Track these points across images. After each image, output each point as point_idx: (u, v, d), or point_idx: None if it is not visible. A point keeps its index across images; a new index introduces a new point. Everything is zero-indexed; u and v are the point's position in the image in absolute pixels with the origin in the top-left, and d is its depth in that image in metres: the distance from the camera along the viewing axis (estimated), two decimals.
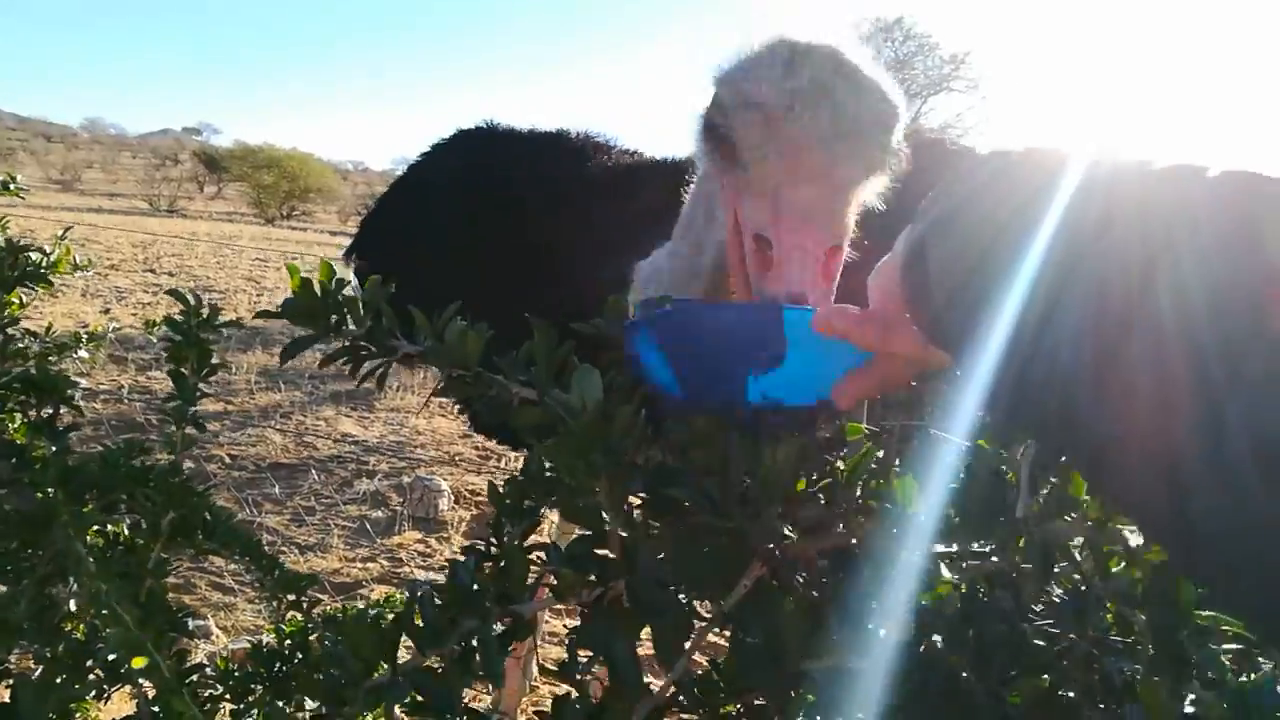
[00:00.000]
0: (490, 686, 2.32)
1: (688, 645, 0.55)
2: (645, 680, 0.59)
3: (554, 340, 0.64)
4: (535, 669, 2.74)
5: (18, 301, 1.31)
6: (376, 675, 0.60)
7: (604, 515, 0.59)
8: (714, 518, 0.54)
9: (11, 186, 2.00)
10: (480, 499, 4.40)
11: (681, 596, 0.59)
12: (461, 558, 0.67)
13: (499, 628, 0.61)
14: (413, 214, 2.08)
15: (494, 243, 1.82)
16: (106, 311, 8.35)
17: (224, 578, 3.38)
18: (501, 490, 0.75)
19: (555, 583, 0.61)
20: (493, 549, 0.71)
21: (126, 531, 1.25)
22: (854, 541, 0.56)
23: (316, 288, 0.62)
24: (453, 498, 4.29)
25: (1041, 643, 0.57)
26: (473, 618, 0.60)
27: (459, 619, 0.60)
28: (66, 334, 1.67)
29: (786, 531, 0.55)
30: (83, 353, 1.71)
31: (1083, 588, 0.53)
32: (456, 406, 2.30)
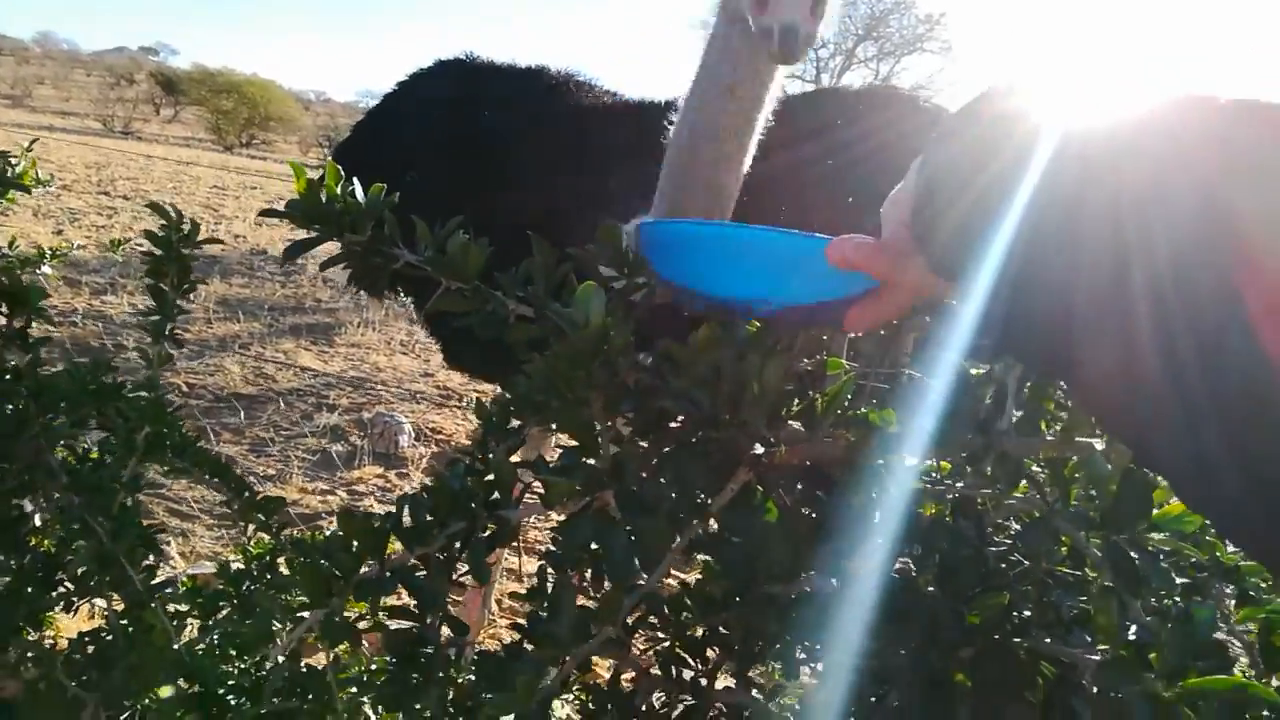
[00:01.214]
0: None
1: (670, 549, 0.57)
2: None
3: (553, 259, 0.65)
4: (494, 603, 2.79)
5: None
6: (364, 569, 0.62)
7: (594, 428, 0.61)
8: (704, 427, 0.57)
9: None
10: (441, 436, 4.41)
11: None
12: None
13: (485, 532, 0.64)
14: (388, 144, 2.06)
15: (472, 175, 1.82)
16: (59, 233, 8.14)
17: (181, 504, 3.37)
18: (488, 408, 0.76)
19: (542, 492, 0.63)
20: (478, 465, 0.73)
21: (95, 449, 1.25)
22: (833, 455, 0.59)
23: (322, 191, 0.63)
24: (413, 434, 4.29)
25: (1002, 566, 0.61)
26: (460, 520, 0.62)
27: (447, 521, 0.62)
28: (28, 251, 1.64)
29: (771, 441, 0.58)
30: (46, 269, 1.68)
31: (1039, 516, 0.56)
32: (432, 336, 2.29)
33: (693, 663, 0.85)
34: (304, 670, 1.23)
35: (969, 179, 0.46)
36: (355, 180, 0.67)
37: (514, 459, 0.77)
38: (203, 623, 1.20)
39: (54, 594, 1.20)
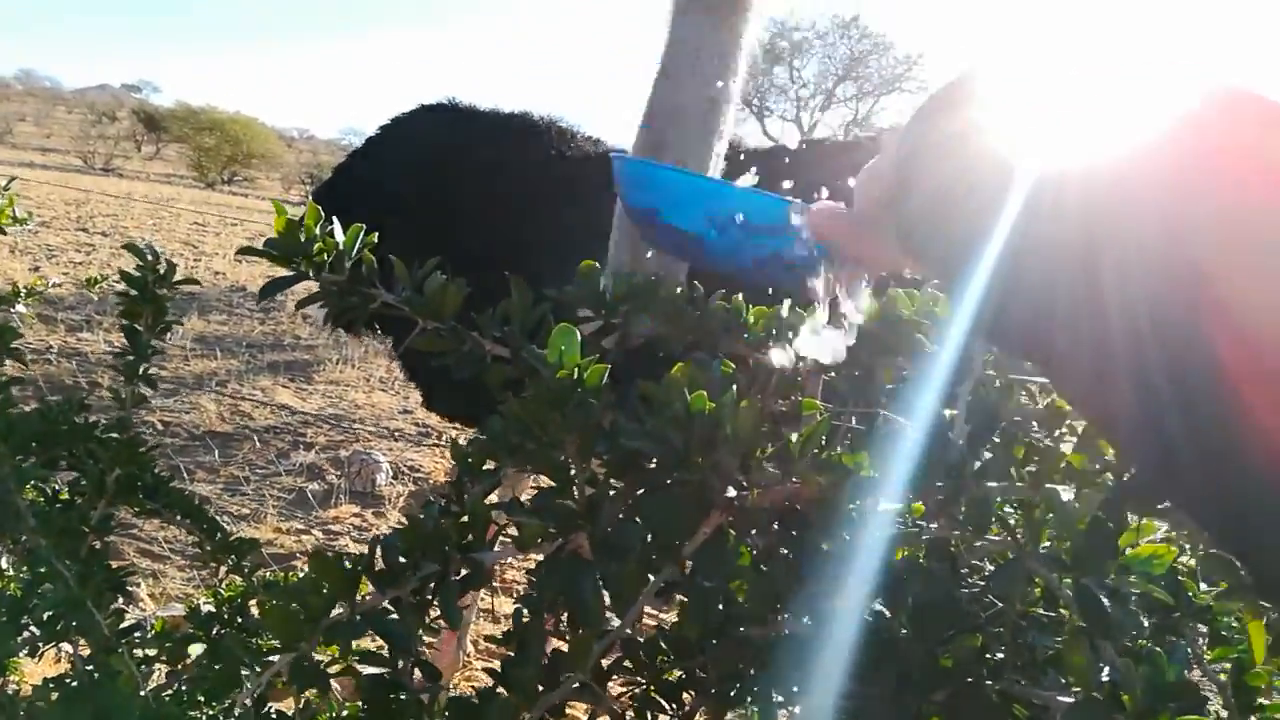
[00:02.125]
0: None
1: (643, 594, 0.57)
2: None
3: (530, 300, 0.65)
4: (470, 644, 2.75)
5: None
6: (335, 613, 0.62)
7: (569, 470, 0.61)
8: (678, 469, 0.57)
9: None
10: (419, 474, 4.38)
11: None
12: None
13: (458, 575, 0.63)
14: (369, 187, 2.07)
15: (452, 221, 1.83)
16: (36, 269, 8.09)
17: (152, 544, 3.32)
18: (465, 448, 0.76)
19: (515, 534, 0.63)
20: (453, 507, 0.72)
21: (66, 490, 1.24)
22: (806, 497, 0.59)
23: (301, 230, 0.63)
24: (391, 473, 4.26)
25: (974, 608, 0.61)
26: (433, 562, 0.62)
27: (420, 563, 0.62)
28: (3, 289, 1.63)
29: (744, 484, 0.58)
30: (21, 307, 1.67)
31: (1013, 557, 0.57)
32: (409, 378, 2.30)
33: (668, 707, 0.84)
34: (273, 717, 1.21)
35: (949, 181, 0.46)
36: (335, 220, 0.67)
37: (490, 499, 0.76)
38: (171, 668, 1.18)
39: (19, 639, 1.17)
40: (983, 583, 0.60)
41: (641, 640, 0.82)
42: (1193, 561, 0.74)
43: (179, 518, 1.32)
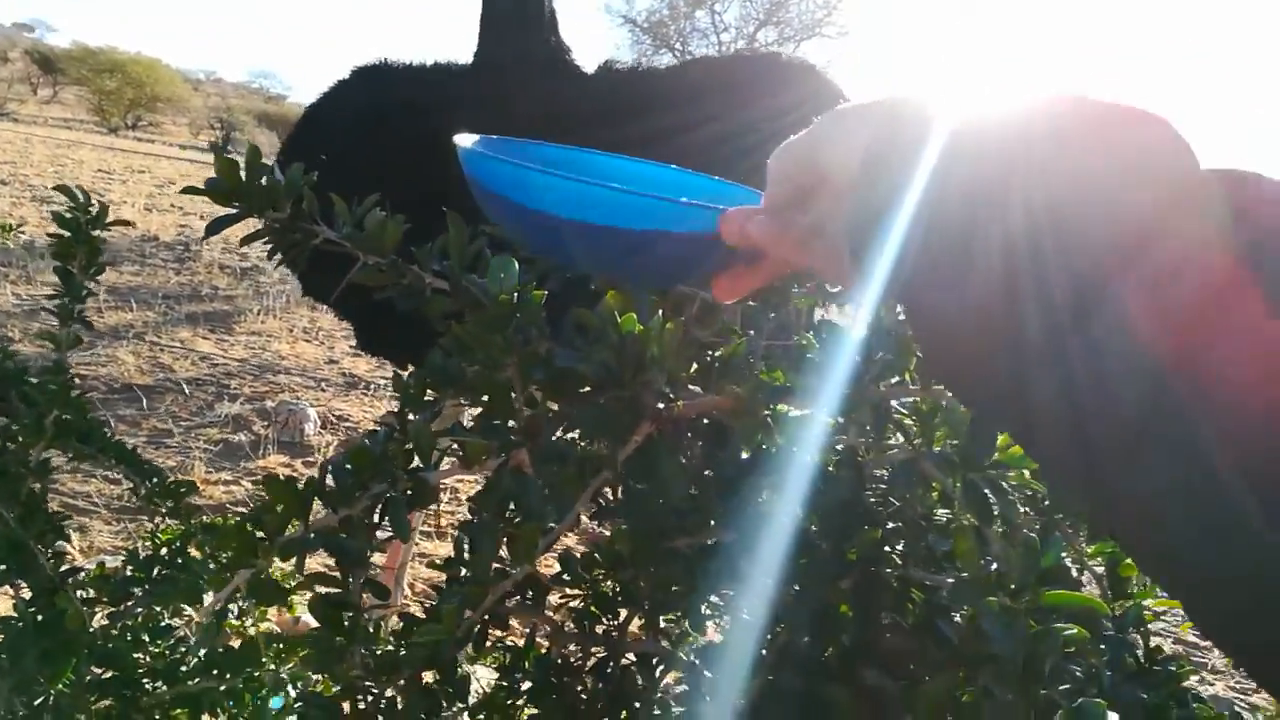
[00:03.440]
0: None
1: (579, 499, 0.63)
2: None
3: (466, 235, 0.69)
4: (407, 586, 2.80)
5: None
6: (289, 532, 0.66)
7: (510, 390, 0.66)
8: (611, 387, 0.62)
9: None
10: (348, 424, 4.37)
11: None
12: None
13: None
14: (318, 155, 2.10)
15: (400, 177, 1.86)
16: None
17: (77, 499, 3.27)
18: (406, 380, 0.80)
19: (465, 454, 0.67)
20: (397, 434, 0.77)
21: None
22: (725, 407, 0.65)
23: (242, 169, 0.65)
24: (319, 422, 4.24)
25: (880, 509, 0.68)
26: (381, 482, 0.66)
27: (369, 484, 0.66)
28: None
29: (670, 397, 0.64)
30: None
31: (907, 460, 0.64)
32: (345, 319, 2.33)
33: (604, 618, 0.90)
34: (220, 650, 1.25)
35: (875, 175, 0.43)
36: (275, 165, 0.70)
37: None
38: (114, 609, 1.21)
39: None
40: (885, 485, 0.67)
41: (578, 555, 0.88)
42: None
43: (113, 463, 1.32)
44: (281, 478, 0.65)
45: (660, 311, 0.66)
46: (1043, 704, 0.51)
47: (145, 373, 4.63)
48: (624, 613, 0.88)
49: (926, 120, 0.42)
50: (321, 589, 0.76)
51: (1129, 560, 0.81)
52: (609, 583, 0.89)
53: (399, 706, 0.76)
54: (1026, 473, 0.61)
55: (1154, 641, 0.73)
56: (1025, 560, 0.57)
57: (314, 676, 1.17)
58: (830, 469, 0.68)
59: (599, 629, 0.87)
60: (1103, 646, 0.62)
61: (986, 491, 0.58)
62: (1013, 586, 0.55)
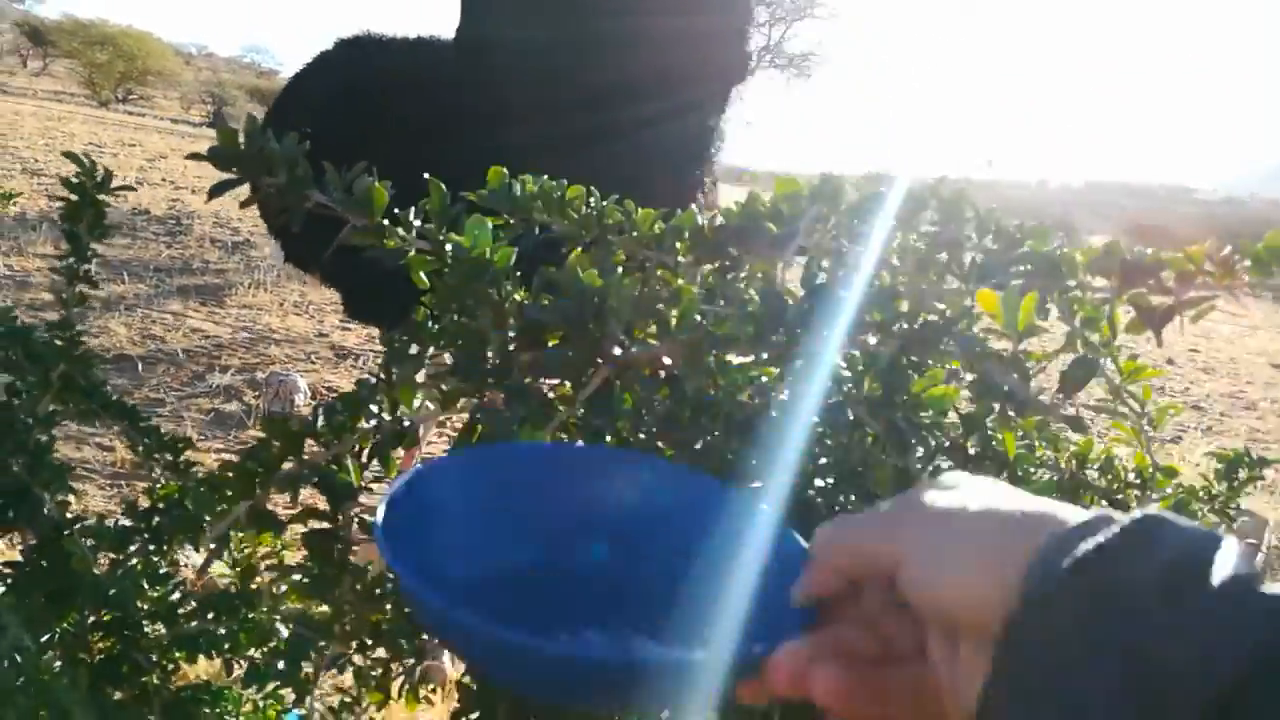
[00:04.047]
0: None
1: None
2: None
3: (446, 198, 0.76)
4: None
5: None
6: (285, 467, 0.73)
7: (484, 337, 0.73)
8: (572, 333, 0.69)
9: None
10: (337, 395, 4.44)
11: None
12: None
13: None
14: (299, 125, 2.17)
15: (377, 147, 1.93)
16: None
17: (72, 464, 3.33)
18: (392, 335, 0.87)
19: (443, 397, 0.75)
20: (383, 383, 0.84)
21: (2, 391, 1.30)
22: (673, 354, 0.72)
23: (242, 136, 0.72)
24: (309, 393, 4.30)
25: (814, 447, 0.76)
26: (368, 423, 0.73)
27: (356, 425, 0.74)
28: None
29: (626, 345, 0.71)
30: None
31: (836, 401, 0.71)
32: (334, 287, 2.41)
33: None
34: (217, 592, 1.33)
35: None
36: (270, 131, 0.76)
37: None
38: (114, 556, 1.28)
39: None
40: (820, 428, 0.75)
41: None
42: None
43: (117, 419, 1.39)
44: (278, 417, 0.72)
45: (620, 269, 0.73)
46: None
47: (137, 343, 4.68)
48: None
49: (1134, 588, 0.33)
50: (313, 523, 0.84)
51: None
52: None
53: (383, 629, 0.84)
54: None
55: None
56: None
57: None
58: (772, 413, 0.75)
59: None
60: None
61: (904, 428, 0.66)
62: None
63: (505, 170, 0.83)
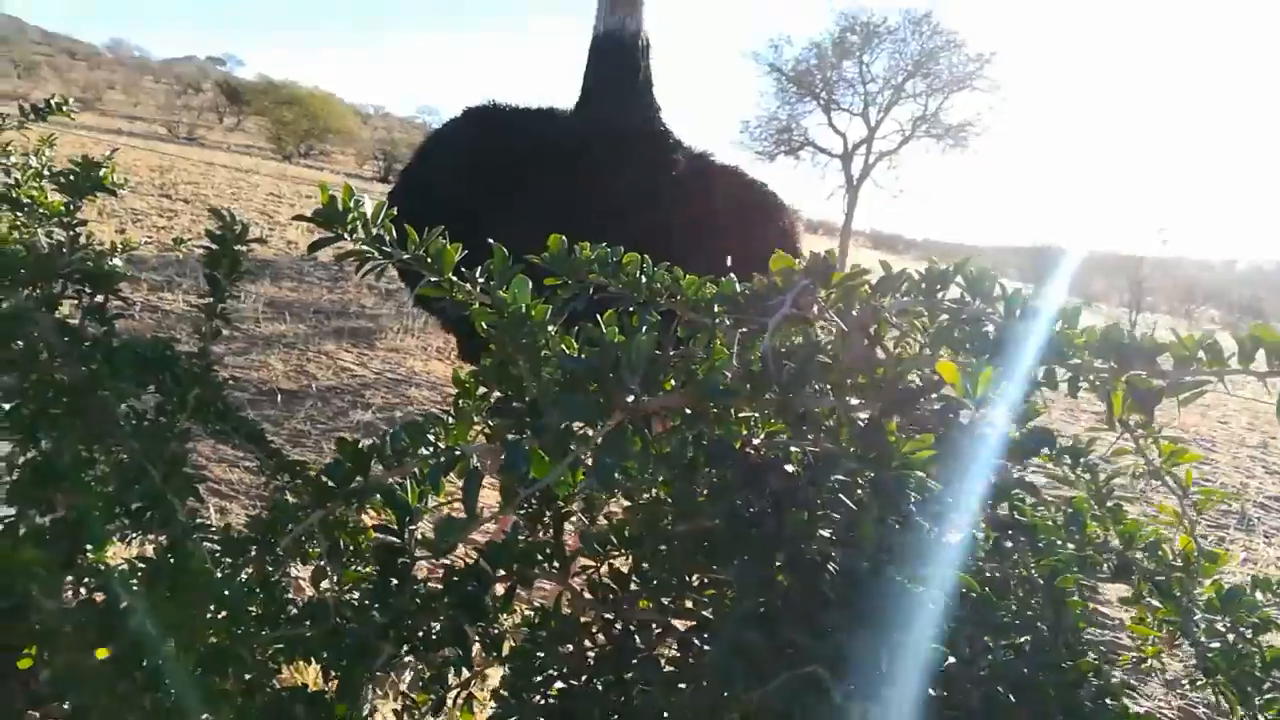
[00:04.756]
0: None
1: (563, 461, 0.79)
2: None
3: (507, 259, 0.88)
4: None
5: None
6: (353, 484, 0.85)
7: (521, 382, 0.83)
8: (595, 381, 0.78)
9: (64, 108, 2.24)
10: (401, 424, 4.66)
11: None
12: None
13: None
14: (428, 183, 2.42)
15: (491, 205, 2.13)
16: (122, 231, 8.57)
17: (221, 485, 3.64)
18: (462, 376, 0.99)
19: (489, 432, 0.85)
20: (447, 415, 0.95)
21: (152, 409, 1.49)
22: (678, 404, 0.80)
23: (339, 202, 0.86)
24: None
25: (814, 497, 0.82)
26: (425, 449, 0.84)
27: (416, 451, 0.85)
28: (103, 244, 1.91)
29: (638, 393, 0.79)
30: (116, 261, 1.95)
31: (829, 457, 0.77)
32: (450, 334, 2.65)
33: (616, 589, 1.06)
34: (314, 601, 1.46)
35: None
36: (364, 196, 0.90)
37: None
38: (231, 562, 1.44)
39: (112, 525, 1.43)
40: (809, 476, 0.80)
41: (594, 532, 1.04)
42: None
43: (246, 441, 1.56)
44: (349, 441, 0.84)
45: (643, 328, 0.82)
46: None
47: (291, 379, 5.06)
48: (633, 585, 1.04)
49: None
50: (379, 535, 0.95)
51: (1068, 575, 0.92)
52: (621, 559, 1.05)
53: (434, 637, 0.94)
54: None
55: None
56: (913, 543, 0.70)
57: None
58: (768, 458, 0.82)
59: (610, 597, 1.03)
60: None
61: (890, 485, 0.71)
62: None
63: (564, 238, 0.94)
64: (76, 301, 1.43)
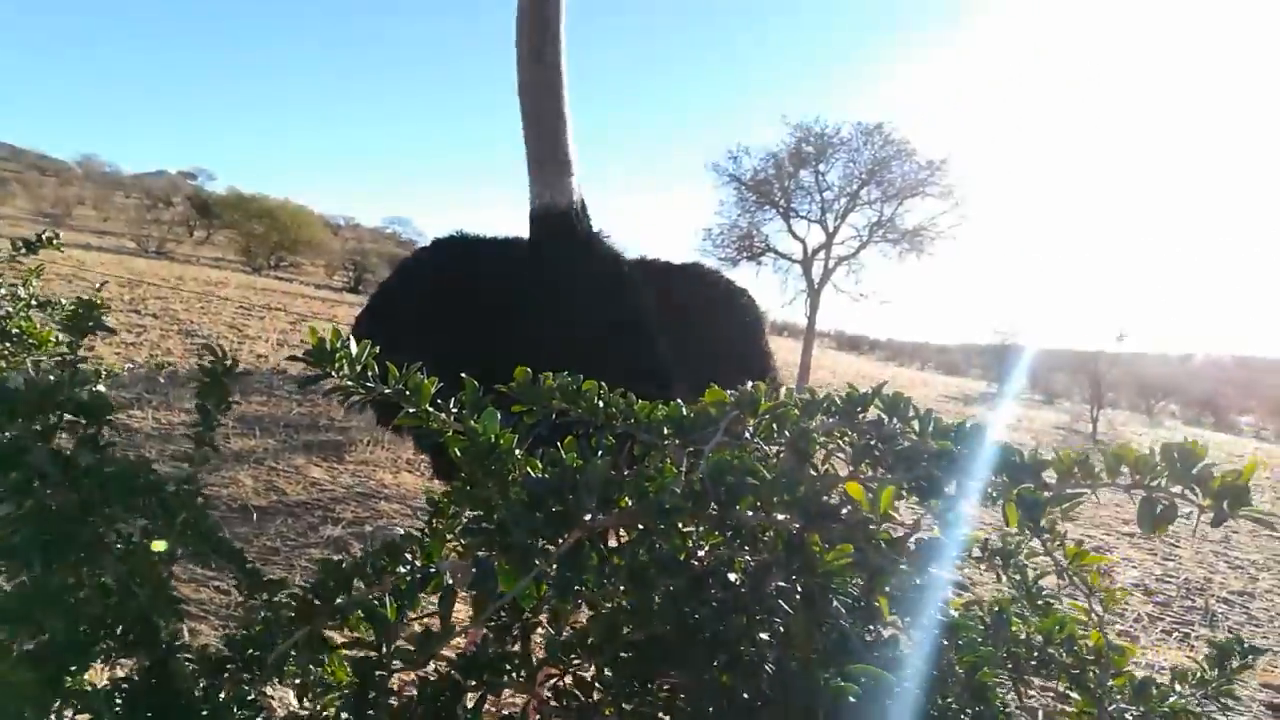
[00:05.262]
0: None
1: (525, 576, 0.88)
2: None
3: (477, 391, 0.99)
4: None
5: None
6: (338, 601, 0.93)
7: (490, 502, 0.93)
8: (556, 501, 0.88)
9: (54, 242, 2.36)
10: (381, 544, 4.68)
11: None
12: None
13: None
14: (396, 310, 2.59)
15: (453, 329, 2.28)
16: (91, 349, 8.61)
17: (189, 604, 3.64)
18: (437, 497, 1.09)
19: (461, 550, 0.94)
20: (423, 534, 1.05)
21: (136, 534, 1.56)
22: (630, 521, 0.90)
23: (327, 343, 0.97)
24: None
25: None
26: (403, 567, 0.93)
27: (394, 568, 0.94)
28: (87, 369, 2.00)
29: (595, 513, 0.90)
30: (100, 386, 2.04)
31: (765, 567, 0.88)
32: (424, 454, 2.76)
33: (580, 696, 1.14)
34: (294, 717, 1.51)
35: None
36: (351, 337, 1.01)
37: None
38: (209, 681, 1.49)
39: (98, 647, 1.49)
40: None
41: (559, 642, 1.12)
42: None
43: (226, 561, 1.63)
44: (334, 559, 0.93)
45: (599, 453, 0.93)
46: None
47: (260, 494, 5.08)
48: (596, 693, 1.11)
49: None
50: (358, 651, 1.03)
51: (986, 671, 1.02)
52: (585, 668, 1.13)
53: None
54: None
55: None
56: (837, 648, 0.79)
57: None
58: (711, 568, 0.92)
59: (575, 704, 1.10)
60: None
61: (815, 591, 0.82)
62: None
63: (530, 369, 1.06)
64: (68, 432, 1.51)
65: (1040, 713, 1.05)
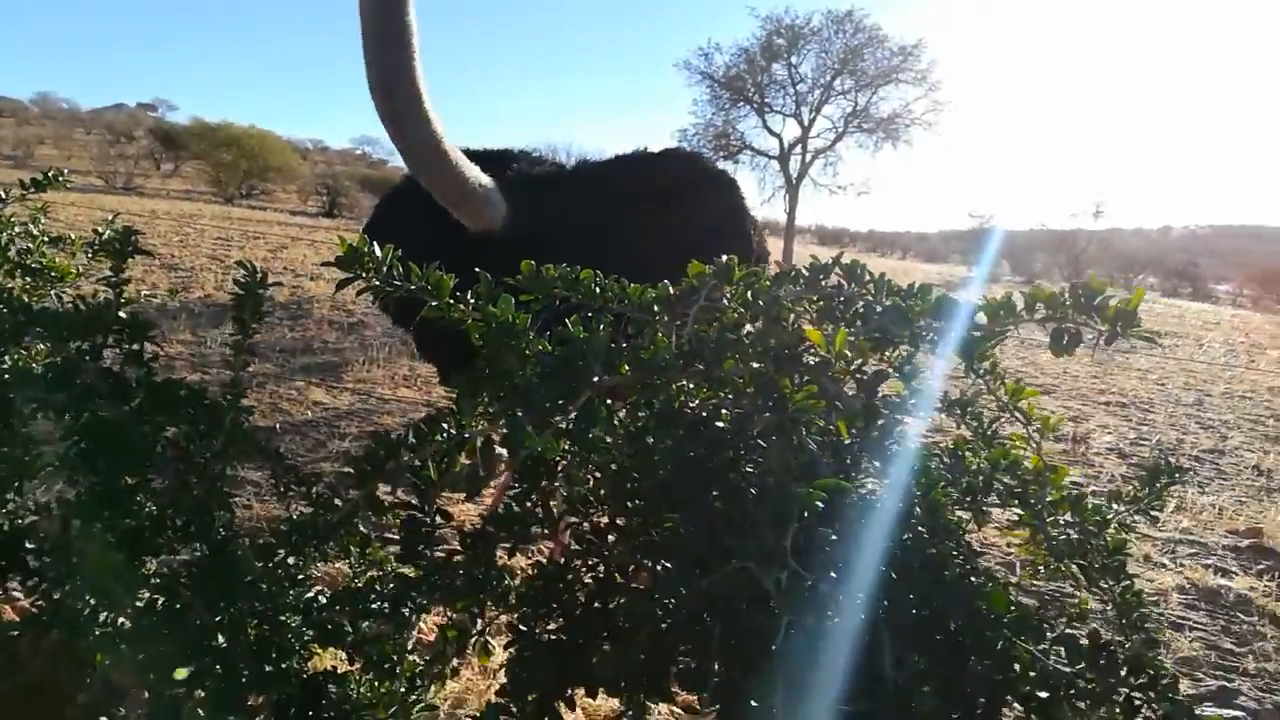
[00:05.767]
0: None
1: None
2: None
3: (491, 284, 1.14)
4: None
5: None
6: (388, 466, 1.11)
7: (511, 375, 1.10)
8: (567, 369, 1.05)
9: (60, 179, 2.47)
10: (422, 418, 4.90)
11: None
12: None
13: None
14: (396, 213, 2.78)
15: (447, 236, 2.45)
16: (77, 289, 8.65)
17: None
18: (458, 381, 1.26)
19: (490, 415, 1.12)
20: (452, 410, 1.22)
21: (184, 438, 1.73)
22: (633, 383, 1.07)
23: (354, 249, 1.12)
24: None
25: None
26: (442, 436, 1.11)
27: (434, 436, 1.11)
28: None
29: (603, 375, 1.06)
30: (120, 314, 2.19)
31: (783, 429, 1.06)
32: (430, 363, 2.97)
33: (598, 541, 1.33)
34: (341, 591, 1.71)
35: None
36: (375, 243, 1.16)
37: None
38: (264, 564, 1.68)
39: (161, 539, 1.67)
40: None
41: (579, 495, 1.31)
42: None
43: (266, 460, 1.80)
44: (383, 431, 1.10)
45: (599, 325, 1.09)
46: None
47: (266, 416, 5.26)
48: (611, 537, 1.30)
49: None
50: (403, 511, 1.21)
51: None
52: (601, 514, 1.32)
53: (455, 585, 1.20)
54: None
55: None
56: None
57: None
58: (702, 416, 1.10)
59: (593, 546, 1.29)
60: None
61: (788, 425, 0.99)
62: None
63: (534, 262, 1.22)
64: (117, 349, 1.66)
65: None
